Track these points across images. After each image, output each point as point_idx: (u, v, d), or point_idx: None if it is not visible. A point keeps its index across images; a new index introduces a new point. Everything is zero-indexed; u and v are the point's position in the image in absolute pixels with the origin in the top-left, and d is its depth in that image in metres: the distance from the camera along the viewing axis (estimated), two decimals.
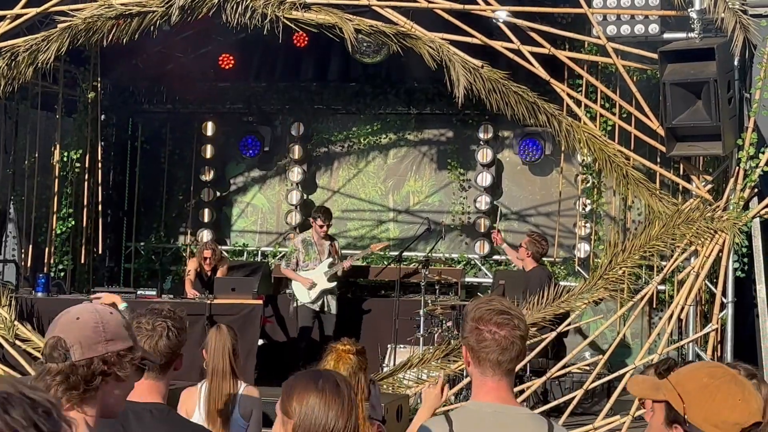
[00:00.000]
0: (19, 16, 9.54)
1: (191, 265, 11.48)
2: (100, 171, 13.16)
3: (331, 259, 11.06)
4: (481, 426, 2.99)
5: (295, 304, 11.21)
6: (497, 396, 3.02)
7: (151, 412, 3.26)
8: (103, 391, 2.53)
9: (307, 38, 12.56)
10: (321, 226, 11.09)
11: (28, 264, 12.39)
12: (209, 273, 11.37)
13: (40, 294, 10.40)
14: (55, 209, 12.46)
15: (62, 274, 12.46)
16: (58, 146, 12.47)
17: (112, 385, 2.55)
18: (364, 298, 12.41)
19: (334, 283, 11.12)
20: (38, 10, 9.43)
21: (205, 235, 13.97)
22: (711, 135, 8.15)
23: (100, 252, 13.29)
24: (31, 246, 12.40)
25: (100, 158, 13.13)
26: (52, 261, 12.46)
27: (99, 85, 12.95)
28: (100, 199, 13.16)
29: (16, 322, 9.45)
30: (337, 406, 2.66)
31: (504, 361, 2.98)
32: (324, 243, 11.19)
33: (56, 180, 12.48)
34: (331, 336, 10.78)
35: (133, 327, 3.22)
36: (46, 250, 12.44)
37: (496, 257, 13.22)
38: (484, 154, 13.04)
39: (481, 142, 13.12)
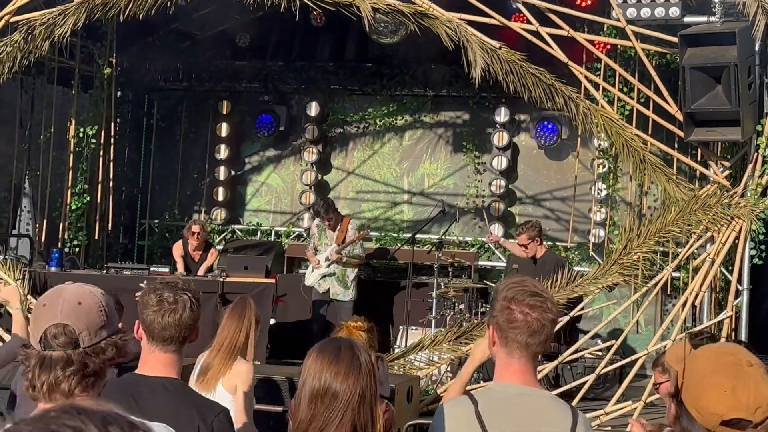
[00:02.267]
0: None
1: (176, 254, 11.30)
2: (113, 148, 13.16)
3: (334, 245, 11.04)
4: (507, 408, 2.96)
5: (302, 284, 11.26)
6: (522, 379, 2.98)
7: (165, 386, 3.22)
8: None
9: (324, 18, 12.49)
10: (322, 221, 11.09)
11: (42, 239, 12.42)
12: (197, 258, 11.19)
13: (53, 269, 10.41)
14: (70, 185, 12.48)
15: (77, 249, 12.49)
16: (73, 122, 12.47)
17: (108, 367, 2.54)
18: (377, 279, 12.39)
19: (333, 268, 11.03)
20: None
21: (219, 214, 13.99)
22: (730, 120, 8.07)
23: (110, 229, 13.29)
24: (45, 221, 12.43)
25: (113, 135, 13.13)
26: (66, 236, 12.49)
27: (115, 61, 12.94)
28: (111, 175, 13.15)
29: (29, 296, 9.46)
30: (337, 368, 2.68)
31: (532, 344, 2.93)
32: (335, 231, 11.13)
33: (71, 156, 12.49)
34: (343, 319, 10.76)
35: (154, 301, 3.20)
36: (61, 225, 12.48)
37: (511, 240, 13.15)
38: (500, 138, 12.97)
39: (498, 126, 13.05)
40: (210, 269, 11.07)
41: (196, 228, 11.14)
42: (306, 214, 13.82)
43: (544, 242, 10.86)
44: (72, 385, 2.42)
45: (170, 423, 2.84)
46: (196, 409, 3.22)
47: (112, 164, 13.17)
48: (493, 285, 11.65)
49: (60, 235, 12.42)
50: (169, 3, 8.97)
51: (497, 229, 12.98)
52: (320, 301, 11.06)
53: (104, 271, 10.63)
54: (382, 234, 13.45)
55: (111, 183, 13.17)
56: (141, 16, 9.05)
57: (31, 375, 2.45)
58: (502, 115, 12.96)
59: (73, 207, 12.54)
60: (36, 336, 2.46)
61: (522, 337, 2.92)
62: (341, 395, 2.65)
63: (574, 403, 8.67)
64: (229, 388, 5.31)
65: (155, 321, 3.16)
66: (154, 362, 3.21)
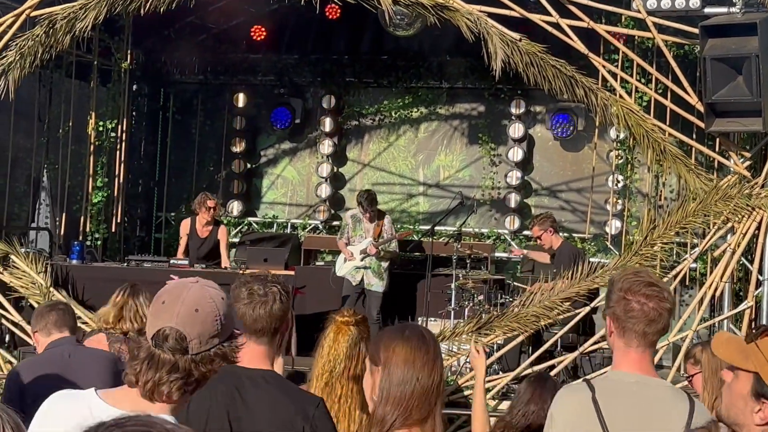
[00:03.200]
0: None
1: (183, 231, 11.06)
2: (129, 141, 13.23)
3: (370, 239, 11.04)
4: (624, 395, 3.01)
5: (332, 273, 11.25)
6: (639, 367, 3.04)
7: (265, 378, 3.27)
8: None
9: (339, 10, 12.51)
10: (364, 213, 11.02)
11: (62, 232, 12.49)
12: (205, 234, 10.94)
13: (74, 261, 10.48)
14: (90, 178, 12.54)
15: (98, 242, 12.56)
16: (93, 116, 12.53)
17: None
18: (395, 271, 12.41)
19: (368, 261, 11.05)
20: None
21: (235, 207, 14.03)
22: (751, 111, 8.06)
23: (118, 221, 13.33)
24: (64, 214, 12.49)
25: (128, 128, 13.19)
26: (87, 229, 12.56)
27: (132, 55, 13.00)
28: (128, 169, 13.21)
29: (51, 289, 9.53)
30: (422, 356, 2.69)
31: (650, 333, 3.00)
32: (371, 223, 11.13)
33: (92, 149, 12.56)
34: (372, 313, 10.80)
35: (245, 294, 3.24)
36: (81, 218, 12.54)
37: (526, 232, 13.18)
38: (516, 129, 12.99)
39: (513, 117, 13.07)
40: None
41: (212, 203, 10.83)
42: (322, 206, 13.86)
43: (560, 233, 10.88)
44: (173, 389, 2.44)
45: (271, 415, 2.88)
46: (296, 401, 3.27)
47: (128, 157, 13.23)
48: (516, 282, 11.68)
49: (81, 228, 12.48)
50: None
51: (514, 221, 13.01)
52: (350, 294, 11.08)
53: (125, 264, 10.69)
54: (398, 226, 13.48)
55: (128, 176, 13.22)
56: (162, 10, 9.08)
57: (138, 368, 2.46)
58: (517, 106, 12.98)
59: (94, 200, 12.60)
60: (150, 331, 2.48)
61: (640, 326, 2.99)
62: (426, 381, 2.68)
63: None
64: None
65: (247, 314, 3.21)
66: (251, 355, 3.25)
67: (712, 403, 4.53)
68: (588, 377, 3.35)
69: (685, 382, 5.39)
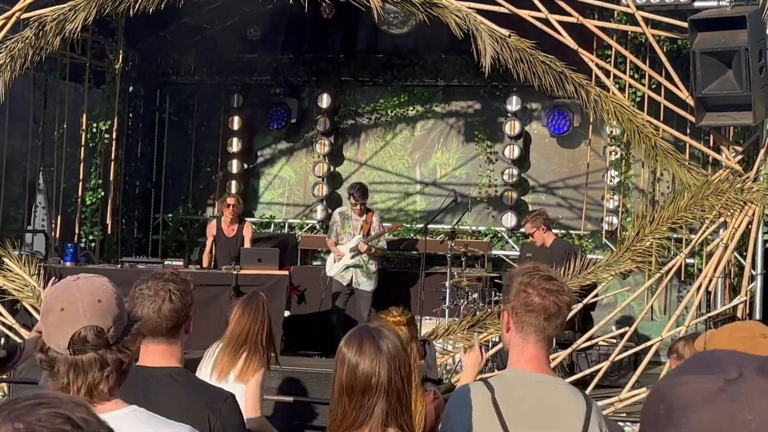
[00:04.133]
0: None
1: (209, 233, 11.29)
2: (125, 143, 13.25)
3: (360, 236, 11.01)
4: (523, 395, 2.97)
5: (323, 274, 11.24)
6: (537, 365, 3.00)
7: (171, 376, 3.24)
8: None
9: (334, 10, 12.50)
10: (354, 204, 10.99)
11: (57, 234, 12.49)
12: (232, 234, 11.09)
13: (68, 263, 10.46)
14: (83, 180, 12.54)
15: (92, 244, 12.56)
16: (86, 117, 12.54)
17: None
18: (390, 270, 12.40)
19: (358, 259, 11.03)
20: None
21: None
22: (741, 105, 8.03)
23: (124, 223, 13.37)
24: (60, 216, 12.50)
25: (122, 129, 13.19)
26: (81, 231, 12.56)
27: (125, 56, 13.00)
28: (124, 170, 13.22)
29: (44, 291, 9.53)
30: (357, 359, 2.65)
31: (548, 328, 2.96)
32: (360, 218, 11.11)
33: (84, 151, 12.56)
34: (363, 314, 10.79)
35: (136, 293, 3.22)
36: (76, 220, 12.55)
37: (523, 230, 13.14)
38: (512, 126, 12.96)
39: (509, 114, 13.04)
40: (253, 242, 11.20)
41: (231, 200, 11.12)
42: (319, 206, 13.85)
43: (554, 231, 10.87)
44: (111, 386, 2.40)
45: (179, 411, 2.84)
46: (204, 396, 3.25)
47: (124, 159, 13.23)
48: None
49: (76, 231, 12.48)
50: None
51: (510, 219, 12.97)
52: (340, 292, 11.06)
53: (119, 266, 10.68)
54: (392, 223, 13.47)
55: (124, 178, 13.23)
56: (151, 11, 9.07)
57: (65, 381, 2.39)
58: (513, 103, 12.94)
59: (88, 202, 12.61)
60: (63, 341, 2.39)
61: (538, 320, 2.95)
62: (369, 387, 2.63)
63: (588, 391, 8.67)
64: (241, 380, 5.33)
65: (138, 313, 3.17)
66: (151, 354, 3.24)
67: None
68: (484, 376, 3.31)
69: None
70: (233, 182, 14.13)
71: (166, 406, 2.89)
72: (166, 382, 3.21)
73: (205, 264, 11.07)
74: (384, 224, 11.57)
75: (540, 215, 10.56)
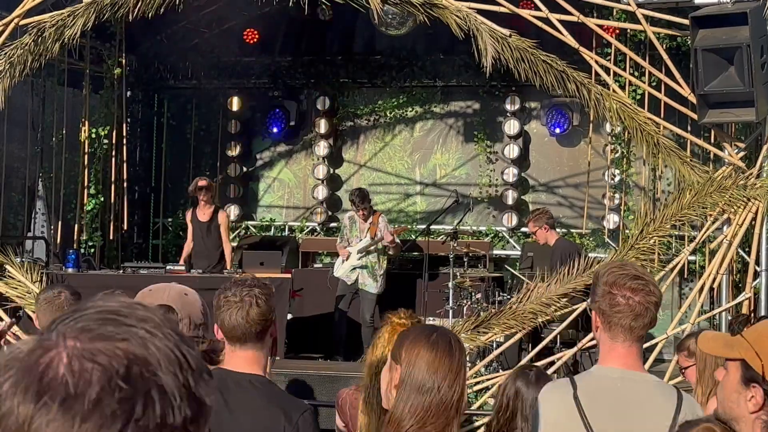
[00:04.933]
0: None
1: (187, 220, 11.03)
2: (125, 148, 13.22)
3: (368, 239, 10.99)
4: (607, 392, 2.97)
5: (330, 275, 11.22)
6: (625, 362, 2.98)
7: (252, 382, 3.24)
8: None
9: (331, 11, 12.49)
10: (357, 210, 10.97)
11: (58, 240, 12.46)
12: (206, 218, 10.81)
13: (70, 270, 10.44)
14: (84, 185, 12.52)
15: (92, 250, 12.53)
16: (86, 123, 12.51)
17: None
18: (392, 271, 12.37)
19: (365, 261, 11.00)
20: None
21: (232, 211, 13.99)
22: (744, 101, 8.01)
23: (124, 229, 13.34)
24: (60, 223, 12.47)
25: (125, 135, 13.17)
26: (81, 237, 12.53)
27: (124, 61, 12.98)
28: (125, 176, 13.20)
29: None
30: (446, 365, 2.61)
31: (636, 327, 2.94)
32: (367, 221, 11.08)
33: (84, 157, 12.53)
34: (366, 316, 10.77)
35: (222, 302, 3.21)
36: (76, 226, 12.51)
37: (524, 229, 13.15)
38: (511, 126, 12.95)
39: (508, 114, 13.03)
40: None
41: (203, 182, 10.73)
42: (319, 208, 13.83)
43: (557, 230, 10.85)
44: None
45: (254, 418, 2.84)
46: (282, 407, 3.24)
47: (124, 164, 13.21)
48: (517, 273, 11.68)
49: (76, 236, 12.45)
50: (177, 1, 8.96)
51: (511, 218, 12.95)
52: (344, 294, 11.03)
53: (120, 271, 10.66)
54: (396, 226, 13.44)
55: (124, 183, 13.20)
56: (150, 15, 9.04)
57: None
58: (512, 103, 12.93)
59: (88, 208, 12.58)
60: None
61: (626, 320, 2.93)
62: (434, 389, 2.59)
63: None
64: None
65: (225, 321, 3.18)
66: (237, 359, 3.23)
67: (708, 395, 4.49)
68: (572, 375, 3.31)
69: (680, 376, 5.34)
70: (232, 186, 14.12)
71: (243, 411, 2.89)
72: (246, 387, 3.21)
73: (184, 254, 10.94)
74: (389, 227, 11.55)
75: (543, 214, 10.54)
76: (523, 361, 8.91)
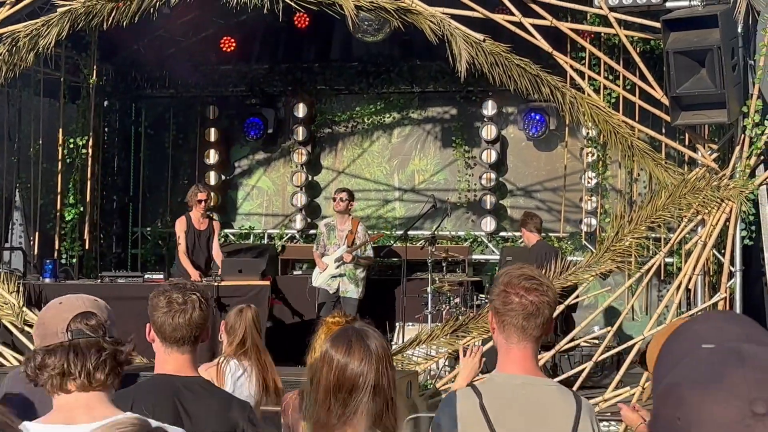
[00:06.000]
0: (18, 1, 9.51)
1: (179, 229, 10.88)
2: (100, 157, 13.20)
3: (345, 246, 11.02)
4: (511, 399, 2.96)
5: (309, 285, 11.22)
6: (523, 366, 2.98)
7: (201, 386, 3.30)
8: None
9: (308, 19, 12.52)
10: (334, 200, 11.09)
11: (35, 251, 12.41)
12: (203, 227, 10.87)
13: (47, 280, 10.41)
14: (61, 196, 12.47)
15: (72, 260, 12.49)
16: (62, 133, 12.47)
17: None
18: (371, 277, 12.39)
19: (343, 268, 11.02)
20: None
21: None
22: (716, 103, 8.10)
23: (102, 238, 13.32)
24: (38, 233, 12.42)
25: (98, 143, 13.14)
26: (60, 247, 12.48)
27: (98, 70, 12.95)
28: (101, 185, 13.17)
29: (24, 308, 9.48)
30: (347, 359, 2.63)
31: (529, 327, 2.93)
32: (345, 228, 11.11)
33: (61, 167, 12.49)
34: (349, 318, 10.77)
35: (163, 303, 3.24)
36: (55, 236, 12.47)
37: (502, 234, 13.21)
38: (489, 131, 13.00)
39: (485, 119, 13.08)
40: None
41: (203, 195, 10.79)
42: (298, 215, 13.84)
43: (535, 233, 10.91)
44: (107, 372, 2.44)
45: (216, 421, 2.90)
46: (233, 407, 3.32)
47: (101, 174, 13.17)
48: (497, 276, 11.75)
49: (56, 246, 12.40)
50: (152, 10, 8.97)
51: (490, 223, 13.00)
52: (325, 302, 11.04)
53: (99, 281, 10.63)
54: (374, 232, 13.46)
55: (102, 192, 13.17)
56: (124, 24, 9.05)
57: (64, 365, 2.43)
58: (489, 108, 12.98)
59: (67, 218, 12.53)
60: (61, 326, 2.46)
61: (518, 320, 2.93)
62: (356, 387, 2.60)
63: None
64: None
65: (166, 323, 3.21)
66: (175, 363, 3.26)
67: None
68: (473, 382, 3.32)
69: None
70: (211, 194, 14.07)
71: (202, 415, 2.92)
72: (198, 392, 3.25)
73: (186, 264, 10.75)
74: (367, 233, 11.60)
75: (527, 216, 10.74)
76: None
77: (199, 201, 10.77)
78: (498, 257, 12.74)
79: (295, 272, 13.11)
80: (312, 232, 13.55)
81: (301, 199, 13.79)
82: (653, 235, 9.78)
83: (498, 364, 3.05)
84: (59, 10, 9.15)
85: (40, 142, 12.36)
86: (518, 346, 2.96)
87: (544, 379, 3.10)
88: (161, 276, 10.76)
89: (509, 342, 2.97)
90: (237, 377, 5.49)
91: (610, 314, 11.29)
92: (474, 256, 12.97)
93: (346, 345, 2.65)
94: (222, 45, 13.51)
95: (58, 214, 12.49)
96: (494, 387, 3.01)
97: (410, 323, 10.60)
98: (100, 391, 2.46)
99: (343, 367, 2.62)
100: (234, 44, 13.51)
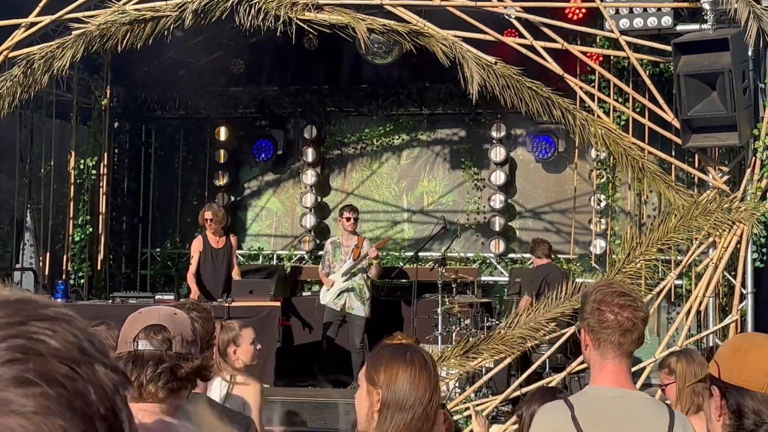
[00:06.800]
0: (33, 24, 9.59)
1: (194, 249, 10.88)
2: (110, 178, 13.26)
3: (351, 261, 11.04)
4: (603, 411, 2.99)
5: (317, 304, 11.24)
6: (616, 380, 3.02)
7: (208, 403, 3.38)
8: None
9: (317, 41, 12.60)
10: (348, 219, 11.08)
11: (46, 272, 12.45)
12: (220, 245, 10.84)
13: (59, 300, 10.43)
14: (71, 217, 12.52)
15: (81, 281, 12.52)
16: (73, 154, 12.54)
17: None
18: (381, 298, 12.42)
19: (351, 283, 11.05)
20: (52, 17, 9.48)
21: None
22: (726, 126, 8.13)
23: (112, 259, 13.36)
24: (48, 254, 12.46)
25: (109, 164, 13.21)
26: (69, 268, 12.52)
27: (111, 92, 13.04)
28: (103, 207, 13.22)
29: None
30: (425, 380, 2.66)
31: (625, 343, 2.99)
32: (351, 244, 11.14)
33: (72, 188, 12.55)
34: (356, 342, 10.79)
35: None
36: (64, 257, 12.51)
37: (511, 255, 13.23)
38: (497, 153, 13.05)
39: (494, 141, 13.13)
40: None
41: (208, 215, 10.74)
42: (307, 236, 13.87)
43: (542, 257, 11.01)
44: (160, 385, 2.48)
45: None
46: (238, 422, 3.37)
47: (111, 195, 13.23)
48: (505, 298, 11.78)
49: (64, 267, 12.44)
50: (166, 32, 9.04)
51: (498, 245, 13.02)
52: (331, 322, 11.05)
53: (110, 301, 10.66)
54: (384, 253, 13.49)
55: (112, 213, 13.22)
56: (138, 47, 9.12)
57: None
58: (498, 130, 13.05)
59: (76, 239, 12.58)
60: (130, 335, 2.53)
61: (614, 336, 2.98)
62: (416, 404, 2.63)
63: None
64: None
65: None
66: None
67: (686, 412, 4.55)
68: (566, 395, 3.35)
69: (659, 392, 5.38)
70: (222, 212, 14.08)
71: (213, 429, 2.96)
72: (198, 403, 3.28)
73: (192, 285, 10.71)
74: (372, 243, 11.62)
75: (541, 244, 10.86)
76: (513, 387, 8.96)
77: (206, 220, 10.77)
78: (507, 279, 12.76)
79: (304, 293, 13.14)
80: (321, 253, 13.56)
81: (310, 220, 13.83)
82: (663, 257, 9.79)
83: (591, 379, 3.12)
84: (74, 32, 9.21)
85: (52, 163, 12.43)
86: (613, 362, 3.02)
87: (637, 392, 3.13)
88: (171, 296, 10.78)
89: (604, 358, 3.02)
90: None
91: None
92: (483, 278, 12.98)
93: (409, 360, 2.70)
94: (232, 67, 13.60)
95: (69, 235, 12.54)
96: (586, 399, 3.06)
97: (420, 344, 10.60)
98: (152, 402, 2.50)
99: (406, 382, 2.65)
100: (244, 66, 13.60)
